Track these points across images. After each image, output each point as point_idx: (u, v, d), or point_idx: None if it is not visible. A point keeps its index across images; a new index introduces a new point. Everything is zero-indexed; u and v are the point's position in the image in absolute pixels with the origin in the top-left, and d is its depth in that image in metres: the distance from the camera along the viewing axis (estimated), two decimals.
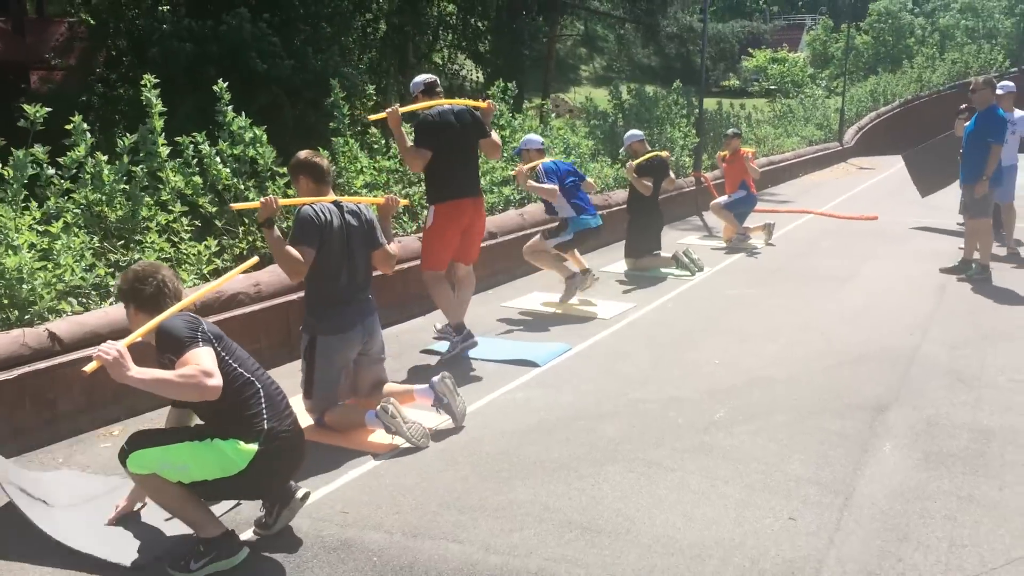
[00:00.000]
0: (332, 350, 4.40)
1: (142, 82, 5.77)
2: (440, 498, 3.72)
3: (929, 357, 5.76)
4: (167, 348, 3.05)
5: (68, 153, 5.26)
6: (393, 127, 5.62)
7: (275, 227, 4.19)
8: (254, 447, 3.15)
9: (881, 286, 8.00)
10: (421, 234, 6.15)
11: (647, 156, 8.81)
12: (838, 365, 5.59)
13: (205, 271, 5.60)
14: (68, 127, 5.36)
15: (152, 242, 5.38)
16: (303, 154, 4.52)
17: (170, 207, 5.68)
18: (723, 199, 10.45)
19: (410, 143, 5.71)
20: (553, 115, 15.15)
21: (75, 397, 4.38)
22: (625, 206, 9.37)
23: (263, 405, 3.23)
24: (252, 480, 3.19)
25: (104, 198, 5.41)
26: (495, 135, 5.99)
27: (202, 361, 2.98)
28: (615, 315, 6.92)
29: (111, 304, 4.88)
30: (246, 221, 6.29)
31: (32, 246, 4.64)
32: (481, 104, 6.04)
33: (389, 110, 5.54)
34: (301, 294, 5.73)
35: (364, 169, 7.55)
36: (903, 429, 4.51)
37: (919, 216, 12.65)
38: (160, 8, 17.28)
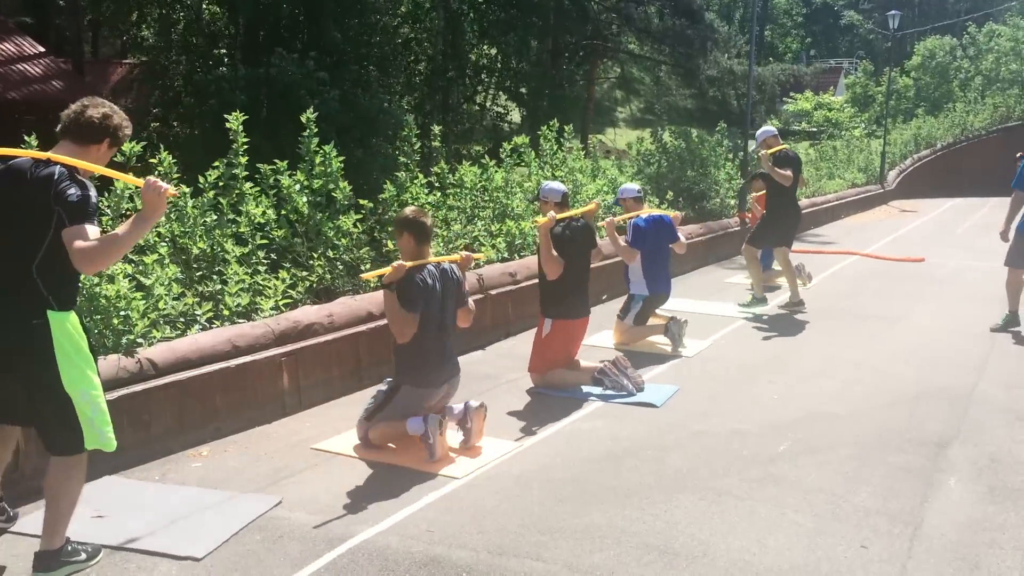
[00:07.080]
0: (412, 400, 4.66)
1: (228, 122, 6.06)
2: (520, 520, 3.88)
3: (987, 396, 5.82)
4: None
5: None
6: (541, 234, 5.70)
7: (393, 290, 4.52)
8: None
9: (933, 327, 8.06)
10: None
11: (779, 148, 8.57)
12: (897, 402, 5.67)
13: (280, 304, 5.83)
14: (153, 161, 5.67)
15: (233, 272, 5.62)
16: (410, 212, 4.75)
17: (249, 240, 5.93)
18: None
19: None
20: (600, 155, 15.45)
21: (167, 419, 4.61)
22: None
23: None
24: None
25: (187, 231, 5.69)
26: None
27: None
28: (670, 352, 7.05)
29: (196, 331, 5.14)
30: (314, 255, 6.53)
31: (128, 276, 4.90)
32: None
33: (549, 215, 5.68)
34: (371, 325, 6.02)
35: (426, 206, 7.78)
36: (966, 464, 4.59)
37: (964, 259, 12.67)
38: (215, 50, 17.91)
